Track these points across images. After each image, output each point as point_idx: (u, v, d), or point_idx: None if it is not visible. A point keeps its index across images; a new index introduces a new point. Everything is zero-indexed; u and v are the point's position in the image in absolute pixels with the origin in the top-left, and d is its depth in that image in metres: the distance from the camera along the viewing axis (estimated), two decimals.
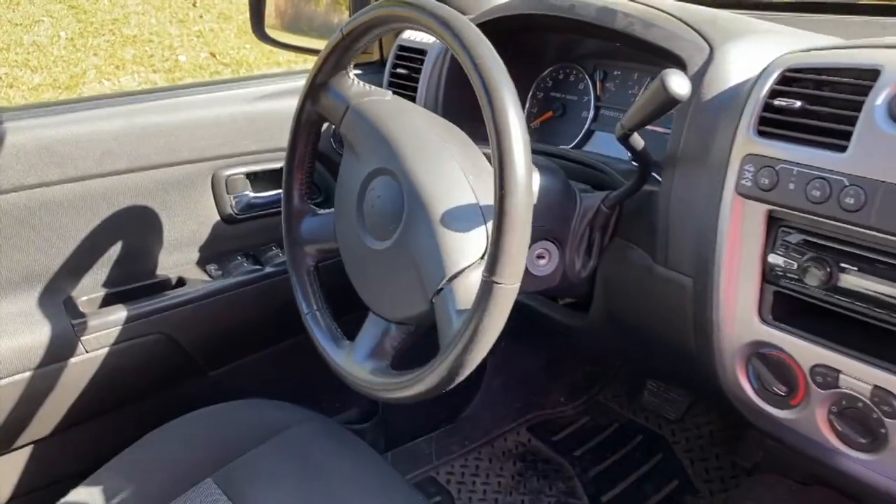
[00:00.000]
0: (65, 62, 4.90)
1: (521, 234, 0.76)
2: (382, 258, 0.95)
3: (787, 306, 0.84)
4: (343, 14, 1.73)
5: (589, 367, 1.86)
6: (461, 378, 0.83)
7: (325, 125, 1.08)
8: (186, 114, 1.26)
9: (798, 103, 0.78)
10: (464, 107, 1.25)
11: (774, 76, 0.82)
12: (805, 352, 0.82)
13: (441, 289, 0.85)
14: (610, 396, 1.85)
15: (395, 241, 0.92)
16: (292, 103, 1.35)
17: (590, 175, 1.08)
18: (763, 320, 0.85)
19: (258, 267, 1.34)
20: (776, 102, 0.80)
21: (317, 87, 1.03)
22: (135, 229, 1.25)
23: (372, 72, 1.48)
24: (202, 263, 1.33)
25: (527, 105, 1.31)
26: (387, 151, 0.95)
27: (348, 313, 1.05)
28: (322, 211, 1.11)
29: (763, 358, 0.88)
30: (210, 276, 1.31)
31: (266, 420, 1.13)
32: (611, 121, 1.19)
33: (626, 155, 1.15)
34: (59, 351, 1.16)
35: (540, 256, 1.01)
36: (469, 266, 0.85)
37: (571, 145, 1.23)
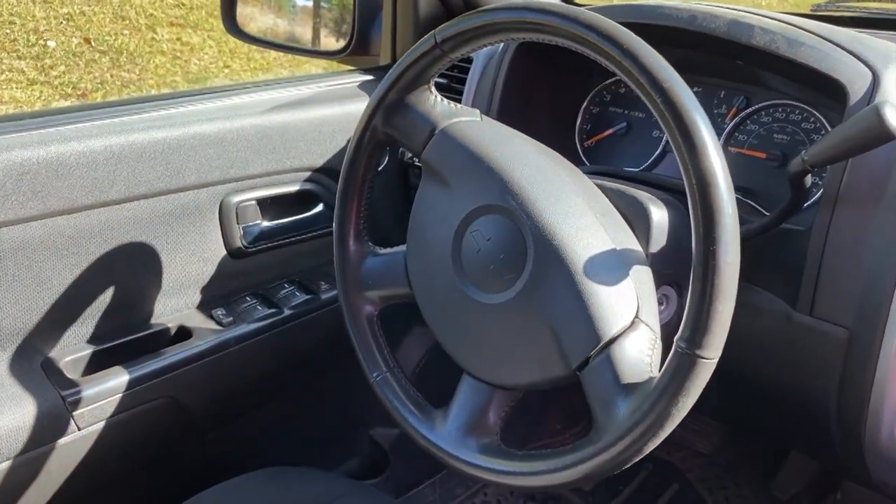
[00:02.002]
0: None
1: (731, 299, 0.65)
2: (495, 314, 0.79)
3: None
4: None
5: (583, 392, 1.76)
6: (634, 461, 0.70)
7: None
8: (188, 128, 1.03)
9: None
10: (523, 120, 1.10)
11: None
12: None
13: (593, 357, 0.71)
14: None
15: (516, 295, 0.77)
16: (310, 115, 1.16)
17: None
18: None
19: (274, 310, 1.12)
20: None
21: (390, 105, 0.86)
22: (128, 271, 1.01)
23: (382, 77, 1.28)
24: (207, 308, 1.10)
25: (578, 121, 1.17)
26: (498, 185, 0.79)
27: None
28: (384, 250, 0.93)
29: None
30: (218, 322, 1.08)
31: (303, 493, 0.95)
32: None
33: None
34: (48, 432, 0.91)
35: (658, 303, 0.89)
36: (625, 330, 0.72)
37: (642, 167, 1.10)
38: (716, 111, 1.05)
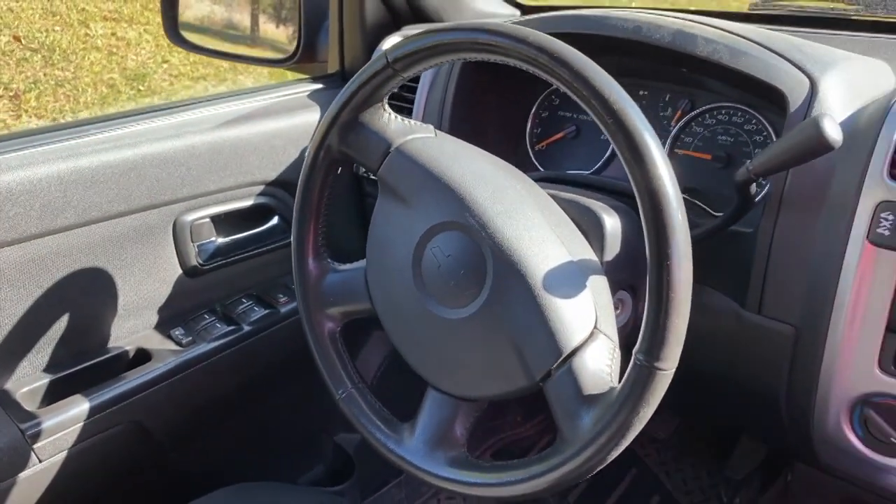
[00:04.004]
0: None
1: (685, 312, 0.67)
2: (457, 328, 0.80)
3: None
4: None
5: None
6: (597, 470, 0.72)
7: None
8: (138, 149, 1.01)
9: None
10: (469, 126, 1.12)
11: None
12: None
13: (556, 369, 0.73)
14: None
15: (478, 310, 0.78)
16: (262, 129, 1.16)
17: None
18: (884, 370, 0.81)
19: (233, 327, 1.11)
20: None
21: (344, 124, 0.86)
22: (83, 295, 1.00)
23: (332, 86, 1.28)
24: (165, 328, 1.09)
25: (529, 126, 1.18)
26: (455, 202, 0.80)
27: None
28: (344, 266, 0.93)
29: (876, 407, 0.84)
30: (177, 342, 1.07)
31: None
32: None
33: None
34: (7, 467, 0.90)
35: (614, 307, 0.91)
36: (584, 342, 0.74)
37: (591, 170, 1.12)
38: (662, 114, 1.08)
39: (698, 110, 1.04)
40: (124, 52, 4.89)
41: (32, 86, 4.39)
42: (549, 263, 0.75)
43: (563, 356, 0.73)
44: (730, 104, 1.01)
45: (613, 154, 1.12)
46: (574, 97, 0.69)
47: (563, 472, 0.72)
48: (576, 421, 0.72)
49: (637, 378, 0.67)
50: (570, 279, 0.76)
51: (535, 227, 0.78)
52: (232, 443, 1.25)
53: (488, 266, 0.77)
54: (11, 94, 4.30)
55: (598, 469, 0.72)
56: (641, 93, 1.10)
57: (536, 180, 0.87)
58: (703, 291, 0.93)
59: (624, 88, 1.01)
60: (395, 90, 1.17)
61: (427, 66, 0.80)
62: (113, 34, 4.98)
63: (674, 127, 1.06)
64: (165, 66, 4.90)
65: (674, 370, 0.67)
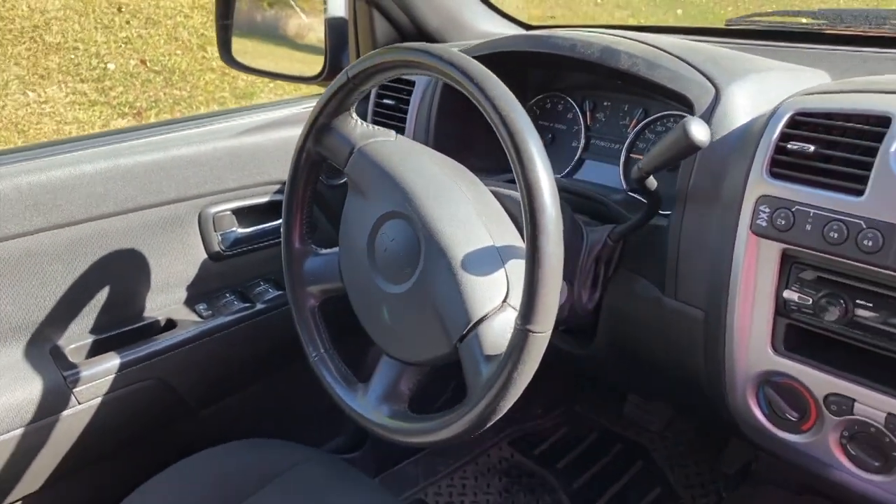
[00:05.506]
0: None
1: (555, 282, 0.77)
2: (398, 302, 0.95)
3: (798, 338, 0.88)
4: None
5: (564, 380, 1.90)
6: (491, 423, 0.84)
7: None
8: (169, 152, 1.22)
9: (811, 147, 0.82)
10: (455, 138, 1.26)
11: (784, 119, 0.85)
12: (818, 381, 0.86)
13: (466, 334, 0.86)
14: (586, 407, 1.89)
15: (412, 286, 0.92)
16: (275, 136, 1.35)
17: (589, 206, 1.10)
18: (776, 351, 0.89)
19: (248, 304, 1.31)
20: (789, 146, 0.84)
21: (319, 129, 1.02)
22: (121, 273, 1.21)
23: None
24: (191, 303, 1.29)
25: None
26: (399, 195, 0.95)
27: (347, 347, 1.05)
28: (324, 251, 1.10)
29: (775, 386, 0.92)
30: (200, 315, 1.28)
31: (268, 460, 1.12)
32: (601, 150, 1.22)
33: (619, 184, 1.18)
34: (51, 405, 1.11)
35: None
36: (493, 310, 0.86)
37: (563, 174, 1.24)
38: (621, 123, 1.19)
39: (649, 118, 1.14)
40: (235, 74, 5.30)
41: (153, 104, 4.84)
42: (470, 247, 0.89)
43: (473, 322, 0.85)
44: (677, 112, 1.11)
45: (581, 160, 1.24)
46: (477, 105, 0.82)
47: (466, 420, 0.84)
48: (478, 378, 0.85)
49: (516, 340, 0.78)
50: (486, 260, 0.89)
51: (463, 216, 0.92)
52: (254, 408, 1.44)
53: (421, 248, 0.91)
54: (135, 111, 4.76)
55: (495, 419, 0.83)
56: (606, 104, 1.22)
57: (508, 181, 1.00)
58: (634, 280, 1.04)
59: (588, 99, 1.17)
60: (393, 102, 1.34)
61: (378, 80, 0.95)
62: None
63: (630, 134, 1.17)
64: (272, 85, 5.27)
65: (547, 333, 0.78)
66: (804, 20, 1.20)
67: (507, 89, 0.81)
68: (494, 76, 0.81)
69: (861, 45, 1.12)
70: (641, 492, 1.64)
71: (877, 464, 0.86)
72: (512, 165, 0.78)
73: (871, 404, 0.83)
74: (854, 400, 0.84)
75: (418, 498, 1.64)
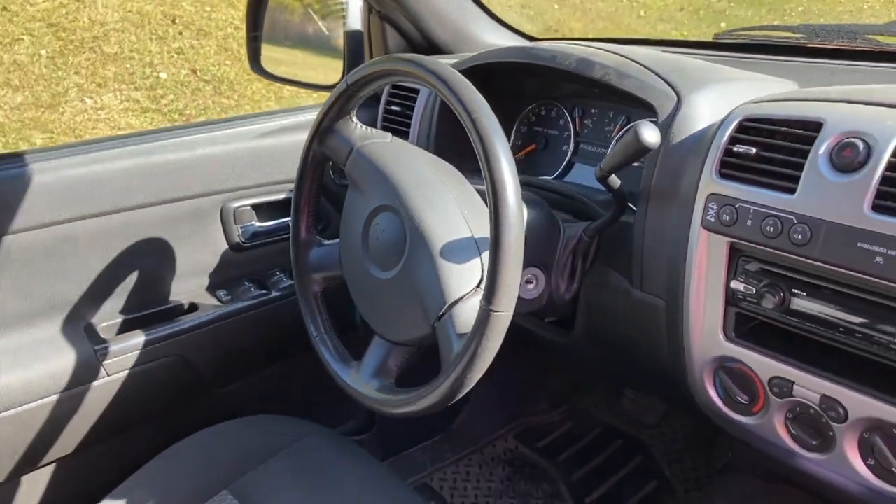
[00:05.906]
0: (46, 81, 4.94)
1: (515, 267, 0.86)
2: (387, 287, 1.05)
3: (747, 325, 0.96)
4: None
5: (571, 377, 1.98)
6: (460, 395, 0.93)
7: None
8: (195, 151, 1.35)
9: (753, 150, 0.90)
10: (454, 142, 1.36)
11: (734, 125, 0.93)
12: (763, 365, 0.94)
13: (442, 315, 0.96)
14: (591, 404, 1.96)
15: (398, 272, 1.03)
16: (292, 139, 1.47)
17: (571, 205, 1.19)
18: (727, 338, 0.97)
19: (264, 291, 1.44)
20: (735, 148, 0.92)
21: (323, 131, 1.13)
22: (149, 260, 1.34)
23: (368, 106, 1.58)
24: (212, 289, 1.42)
25: (511, 138, 1.42)
26: (389, 190, 1.05)
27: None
28: (328, 242, 1.21)
29: (728, 371, 0.99)
30: (220, 301, 1.40)
31: (276, 435, 1.23)
32: (589, 154, 1.31)
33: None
34: (83, 376, 1.25)
35: (528, 281, 1.12)
36: (467, 294, 0.96)
37: (553, 176, 1.34)
38: (606, 128, 1.28)
39: (631, 124, 1.23)
40: (281, 84, 5.48)
41: (202, 111, 5.04)
42: (450, 237, 0.99)
43: (449, 304, 0.95)
44: (655, 119, 1.19)
45: (571, 163, 1.33)
46: (453, 109, 0.92)
47: (438, 392, 0.93)
48: (449, 353, 0.94)
49: (480, 319, 0.87)
50: (464, 249, 0.98)
51: (446, 210, 1.02)
52: (268, 389, 1.56)
53: (407, 238, 1.01)
54: (184, 118, 4.97)
55: (464, 391, 0.92)
56: (593, 111, 1.31)
57: None
58: (607, 272, 1.13)
59: (577, 107, 1.26)
60: (399, 108, 1.44)
61: (374, 87, 1.06)
62: None
63: (614, 139, 1.25)
64: (315, 96, 5.44)
65: (509, 314, 0.87)
66: (786, 34, 1.28)
67: (480, 96, 0.90)
68: (470, 85, 0.91)
69: (833, 58, 1.20)
70: (638, 485, 1.71)
71: (814, 442, 0.93)
72: (480, 164, 0.87)
73: (808, 386, 0.90)
74: (793, 382, 0.91)
75: (424, 482, 1.74)
